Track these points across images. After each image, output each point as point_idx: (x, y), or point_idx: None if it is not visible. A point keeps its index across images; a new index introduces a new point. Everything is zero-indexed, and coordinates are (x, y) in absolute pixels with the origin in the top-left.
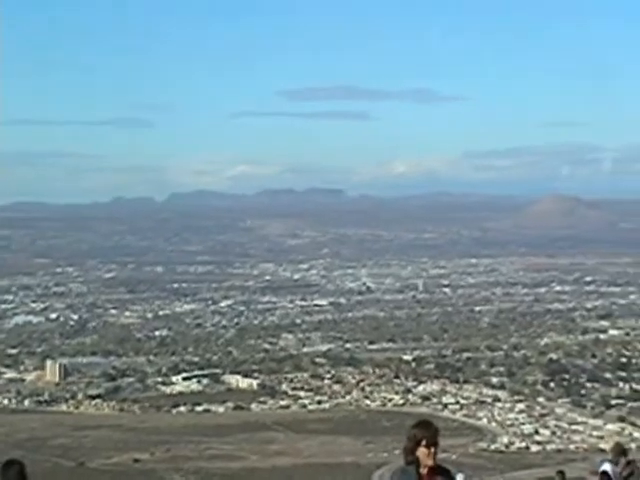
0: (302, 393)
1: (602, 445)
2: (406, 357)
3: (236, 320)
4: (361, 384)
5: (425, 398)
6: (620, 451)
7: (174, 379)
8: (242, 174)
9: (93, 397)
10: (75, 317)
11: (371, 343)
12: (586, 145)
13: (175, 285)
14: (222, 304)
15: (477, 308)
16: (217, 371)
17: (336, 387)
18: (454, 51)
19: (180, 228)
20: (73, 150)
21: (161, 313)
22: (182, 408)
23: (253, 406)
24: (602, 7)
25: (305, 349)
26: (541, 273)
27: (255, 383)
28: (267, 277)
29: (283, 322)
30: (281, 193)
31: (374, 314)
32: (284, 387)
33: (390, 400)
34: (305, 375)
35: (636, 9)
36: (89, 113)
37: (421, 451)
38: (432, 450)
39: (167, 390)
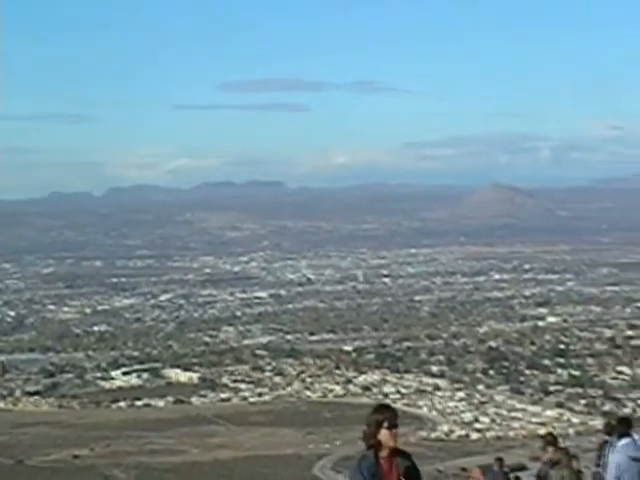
0: (243, 385)
1: (541, 431)
2: (346, 348)
3: (176, 314)
4: (302, 375)
5: (366, 388)
6: (549, 441)
7: (113, 374)
8: (182, 167)
9: (31, 394)
10: (12, 313)
11: (311, 334)
12: (524, 135)
13: (114, 280)
14: (162, 298)
15: (417, 298)
16: (157, 365)
17: (277, 379)
18: (394, 42)
19: (119, 223)
20: (8, 145)
21: (100, 308)
22: (122, 403)
23: (194, 399)
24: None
25: (245, 341)
26: (480, 262)
27: (195, 376)
28: (207, 270)
29: (223, 315)
30: (221, 186)
31: (314, 305)
32: (225, 380)
33: (331, 391)
34: (246, 367)
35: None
36: (25, 108)
37: (383, 433)
38: (394, 431)
39: (106, 385)
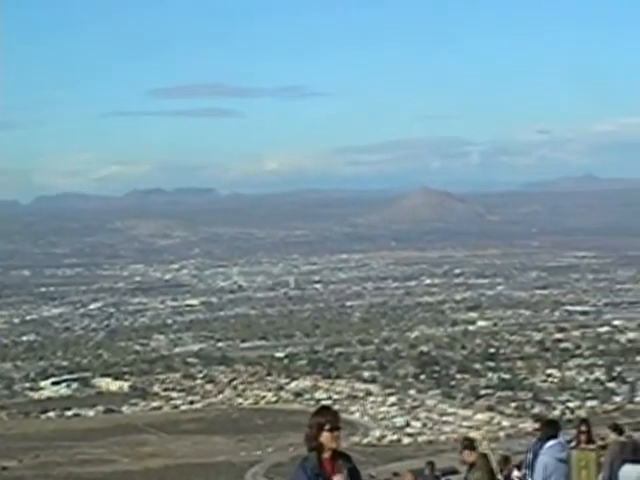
0: (174, 394)
1: (472, 435)
2: (278, 354)
3: (106, 322)
4: (233, 383)
5: (298, 394)
6: (465, 445)
7: (42, 384)
8: (111, 175)
9: None
10: None
11: (243, 341)
12: (455, 139)
13: (43, 289)
14: (91, 307)
15: (348, 303)
16: (87, 375)
17: (208, 386)
18: (323, 46)
19: (47, 231)
20: None
21: (28, 317)
22: (51, 413)
23: (124, 409)
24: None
25: (177, 349)
26: (411, 267)
27: (126, 385)
28: (137, 278)
29: (154, 323)
30: (151, 193)
31: (246, 312)
32: (156, 388)
33: (263, 398)
34: (177, 375)
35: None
36: None
37: (325, 435)
38: (335, 434)
39: (35, 395)
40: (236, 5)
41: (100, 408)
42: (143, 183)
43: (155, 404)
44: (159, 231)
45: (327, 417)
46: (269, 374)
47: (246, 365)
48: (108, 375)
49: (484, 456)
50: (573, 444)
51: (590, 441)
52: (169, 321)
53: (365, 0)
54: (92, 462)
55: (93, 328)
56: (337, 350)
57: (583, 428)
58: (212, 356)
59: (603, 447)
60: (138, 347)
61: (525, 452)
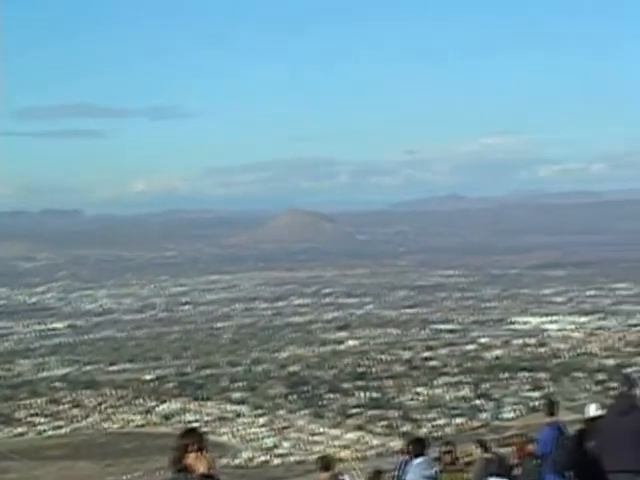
0: (39, 419)
1: (342, 454)
2: (146, 377)
3: None
4: (101, 407)
5: (166, 417)
6: (321, 465)
7: None
8: None
9: None
10: None
11: (111, 364)
12: (324, 159)
13: None
14: None
15: (218, 324)
16: None
17: (75, 411)
18: (193, 67)
19: None
20: None
21: None
22: None
23: None
24: (355, 10)
25: (42, 374)
26: (280, 287)
27: None
28: (1, 302)
29: (18, 347)
30: (14, 215)
31: (113, 335)
32: (20, 414)
33: (131, 421)
34: (42, 401)
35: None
36: None
37: (190, 457)
38: (200, 454)
39: None
40: (108, 25)
41: None
42: (6, 205)
43: (19, 430)
44: (22, 254)
45: (192, 438)
46: (137, 397)
47: (113, 388)
48: None
49: (335, 476)
50: (439, 466)
51: (454, 461)
52: (34, 345)
53: (237, 21)
54: None
55: None
56: (206, 372)
57: (446, 449)
58: (79, 380)
59: (469, 463)
60: (1, 372)
61: (393, 470)
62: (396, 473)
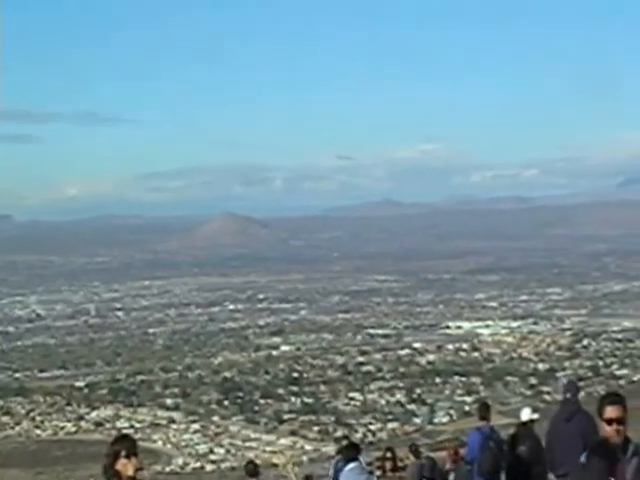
0: None
1: (275, 460)
2: (78, 383)
3: None
4: (31, 414)
5: (98, 424)
6: (248, 471)
7: None
8: None
9: None
10: None
11: (42, 371)
12: (257, 165)
13: None
14: None
15: (151, 330)
16: None
17: (4, 419)
18: (123, 72)
19: None
20: None
21: None
22: None
23: None
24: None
25: None
26: (214, 292)
27: None
28: None
29: None
30: None
31: (44, 341)
32: None
33: (62, 428)
34: None
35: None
36: None
37: (121, 463)
38: (132, 460)
39: None
40: (39, 29)
41: None
42: None
43: None
44: None
45: (123, 444)
46: (69, 404)
47: (44, 395)
48: None
49: None
50: (379, 473)
51: (395, 468)
52: None
53: (168, 26)
54: None
55: None
56: (139, 378)
57: (388, 455)
58: (9, 387)
59: (402, 468)
60: None
61: (327, 475)
62: (330, 472)
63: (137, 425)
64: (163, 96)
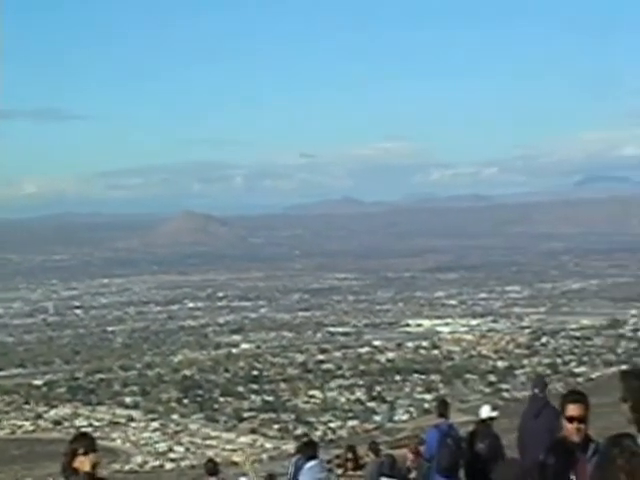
0: None
1: (235, 458)
2: (36, 382)
3: None
4: None
5: (57, 423)
6: (208, 469)
7: None
8: None
9: None
10: None
11: None
12: (217, 162)
13: None
14: None
15: (110, 328)
16: None
17: None
18: (81, 69)
19: None
20: None
21: None
22: None
23: None
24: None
25: None
26: (174, 290)
27: None
28: None
29: None
30: None
31: (2, 340)
32: None
33: (20, 427)
34: None
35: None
36: None
37: (79, 460)
38: (89, 456)
39: None
40: None
41: None
42: None
43: None
44: None
45: (81, 442)
46: (27, 402)
47: (2, 394)
48: None
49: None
50: (340, 471)
51: (357, 467)
52: None
53: (124, 22)
54: None
55: None
56: (98, 376)
57: (349, 455)
58: None
59: (363, 466)
60: None
61: (287, 472)
62: (290, 469)
63: (96, 423)
64: (123, 93)
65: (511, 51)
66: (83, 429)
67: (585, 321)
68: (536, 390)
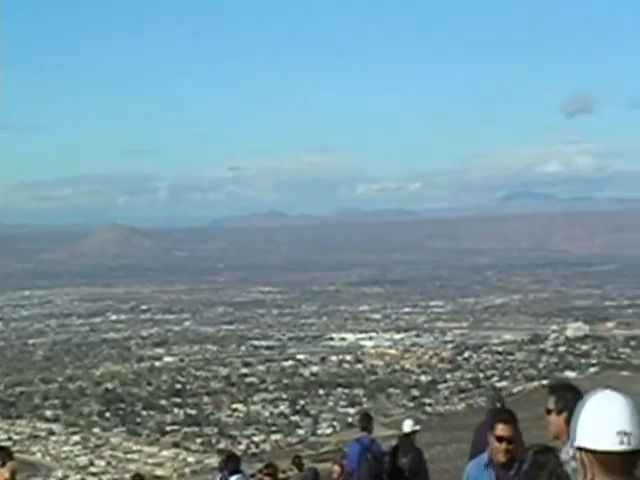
0: None
1: (158, 472)
2: None
3: None
4: None
5: None
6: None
7: None
8: None
9: None
10: None
11: None
12: (143, 175)
13: None
14: None
15: (31, 341)
16: None
17: None
18: (13, 81)
19: None
20: None
21: None
22: None
23: None
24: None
25: None
26: (97, 303)
27: None
28: None
29: None
30: None
31: None
32: None
33: None
34: None
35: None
36: None
37: None
38: (7, 465)
39: None
40: None
41: None
42: None
43: None
44: None
45: None
46: None
47: None
48: None
49: None
50: None
51: None
52: None
53: (45, 29)
54: None
55: None
56: (18, 389)
57: (267, 471)
58: None
59: None
60: None
61: None
62: None
63: (15, 437)
64: (49, 103)
65: (436, 67)
66: (1, 443)
67: (507, 336)
68: (498, 404)
